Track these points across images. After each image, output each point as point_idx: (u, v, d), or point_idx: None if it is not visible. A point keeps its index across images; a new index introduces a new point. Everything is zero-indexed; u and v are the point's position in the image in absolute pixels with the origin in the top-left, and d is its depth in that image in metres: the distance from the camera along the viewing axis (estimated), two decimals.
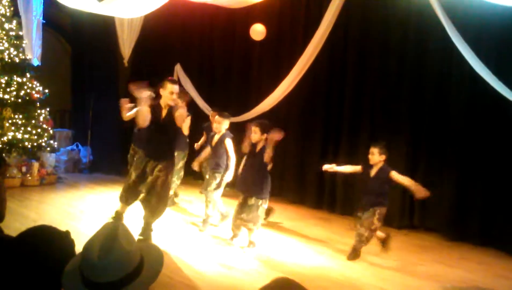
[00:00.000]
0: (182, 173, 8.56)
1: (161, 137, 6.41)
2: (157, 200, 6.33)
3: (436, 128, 7.86)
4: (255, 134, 6.48)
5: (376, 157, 6.31)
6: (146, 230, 6.45)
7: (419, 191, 6.01)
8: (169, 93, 6.31)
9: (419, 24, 7.88)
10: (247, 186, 6.57)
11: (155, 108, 6.36)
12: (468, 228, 7.50)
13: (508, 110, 6.69)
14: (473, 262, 6.69)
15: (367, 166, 6.44)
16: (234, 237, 6.75)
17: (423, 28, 7.82)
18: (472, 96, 7.40)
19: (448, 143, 7.69)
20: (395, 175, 6.20)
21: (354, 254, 6.37)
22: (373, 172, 6.37)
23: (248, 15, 9.07)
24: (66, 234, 2.16)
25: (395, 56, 8.26)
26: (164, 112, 6.39)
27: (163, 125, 6.39)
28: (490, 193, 7.27)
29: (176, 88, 6.39)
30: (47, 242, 2.06)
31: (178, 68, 11.29)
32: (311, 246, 6.92)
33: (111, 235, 1.84)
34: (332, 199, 9.11)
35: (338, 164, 6.90)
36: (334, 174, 8.79)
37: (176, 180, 8.33)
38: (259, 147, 6.52)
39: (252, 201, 6.44)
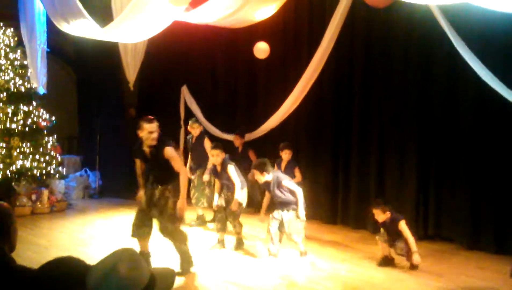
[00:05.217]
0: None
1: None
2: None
3: (447, 137, 7.76)
4: (217, 157, 6.65)
5: (382, 216, 6.51)
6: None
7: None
8: (148, 133, 5.80)
9: (422, 34, 7.84)
10: None
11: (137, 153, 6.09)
12: (483, 236, 7.38)
13: None
14: (490, 270, 6.54)
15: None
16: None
17: (427, 37, 7.77)
18: (481, 104, 7.30)
19: (461, 151, 7.59)
20: (403, 225, 6.38)
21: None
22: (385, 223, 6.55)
23: (251, 34, 9.08)
24: (89, 266, 2.17)
25: (401, 68, 8.20)
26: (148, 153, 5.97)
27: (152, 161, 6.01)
28: (506, 200, 7.15)
29: (153, 126, 5.81)
30: (68, 276, 2.07)
31: (184, 90, 11.31)
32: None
33: (111, 263, 1.87)
34: (344, 214, 8.99)
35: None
36: (347, 189, 8.76)
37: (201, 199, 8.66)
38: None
39: None
